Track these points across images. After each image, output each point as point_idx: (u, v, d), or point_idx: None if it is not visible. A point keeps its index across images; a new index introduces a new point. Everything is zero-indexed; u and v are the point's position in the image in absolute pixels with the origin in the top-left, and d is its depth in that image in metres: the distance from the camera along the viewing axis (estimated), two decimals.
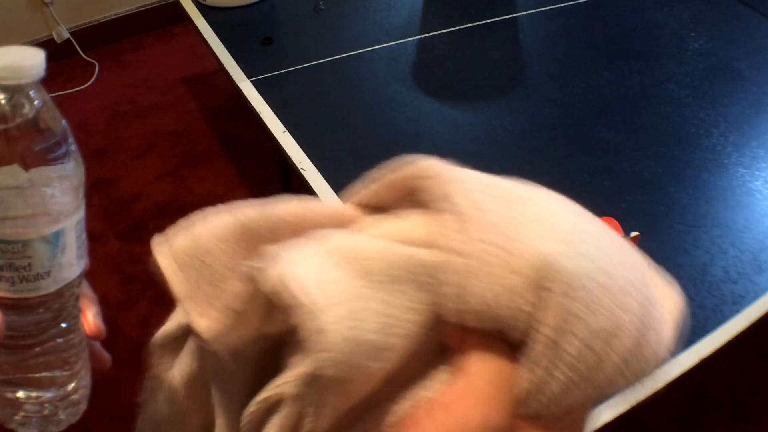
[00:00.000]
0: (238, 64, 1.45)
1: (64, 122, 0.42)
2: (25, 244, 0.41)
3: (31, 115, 0.40)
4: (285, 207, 0.36)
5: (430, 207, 0.32)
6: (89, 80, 2.72)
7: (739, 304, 0.95)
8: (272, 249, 0.31)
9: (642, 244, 1.00)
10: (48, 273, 0.42)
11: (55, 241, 0.42)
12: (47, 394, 0.46)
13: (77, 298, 0.47)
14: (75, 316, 0.47)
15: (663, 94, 1.34)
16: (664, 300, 0.36)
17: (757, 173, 1.16)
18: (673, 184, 1.14)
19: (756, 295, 0.96)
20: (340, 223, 0.35)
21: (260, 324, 0.32)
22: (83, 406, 0.48)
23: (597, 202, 1.11)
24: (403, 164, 0.36)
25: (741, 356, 1.77)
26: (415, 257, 0.31)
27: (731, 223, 1.07)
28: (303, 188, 1.17)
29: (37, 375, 0.45)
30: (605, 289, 0.31)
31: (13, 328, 0.44)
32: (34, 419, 0.45)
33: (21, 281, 0.42)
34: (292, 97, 1.37)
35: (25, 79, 0.40)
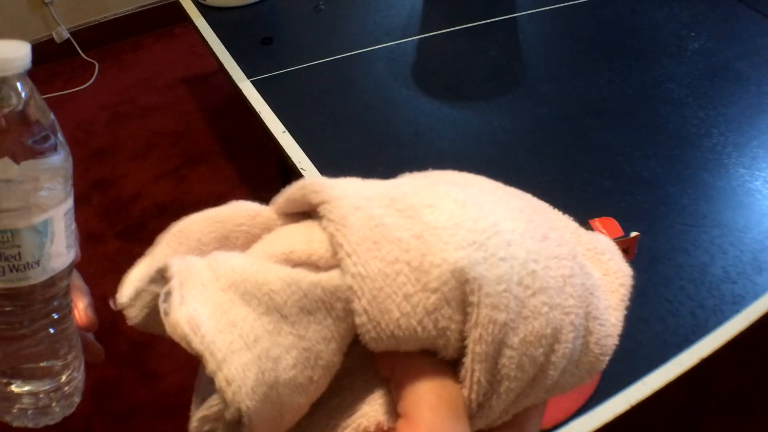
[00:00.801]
0: (238, 64, 1.45)
1: (51, 114, 0.43)
2: (15, 233, 0.41)
3: (19, 108, 0.41)
4: (218, 209, 0.34)
5: (326, 226, 0.29)
6: (89, 80, 2.72)
7: (739, 304, 0.95)
8: (175, 277, 0.28)
9: (642, 244, 1.00)
10: (38, 262, 0.43)
11: (44, 230, 0.43)
12: (41, 387, 0.46)
13: (68, 289, 0.47)
14: (66, 307, 0.47)
15: (663, 94, 1.34)
16: (608, 279, 0.34)
17: (757, 173, 1.16)
18: (673, 184, 1.14)
19: (756, 295, 0.96)
20: (264, 227, 0.33)
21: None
22: (77, 399, 0.48)
23: (597, 202, 1.12)
24: (299, 182, 0.32)
25: (741, 356, 1.77)
26: (320, 285, 0.28)
27: (731, 223, 1.07)
28: None
29: (30, 366, 0.45)
30: (537, 292, 0.29)
31: (4, 318, 0.44)
32: (29, 412, 0.45)
33: (11, 270, 0.42)
34: (292, 97, 1.37)
35: (10, 71, 0.40)
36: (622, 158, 1.20)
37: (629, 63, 1.43)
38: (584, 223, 0.99)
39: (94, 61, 2.79)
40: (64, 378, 0.47)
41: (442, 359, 0.29)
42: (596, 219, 1.00)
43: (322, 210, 0.29)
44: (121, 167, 2.37)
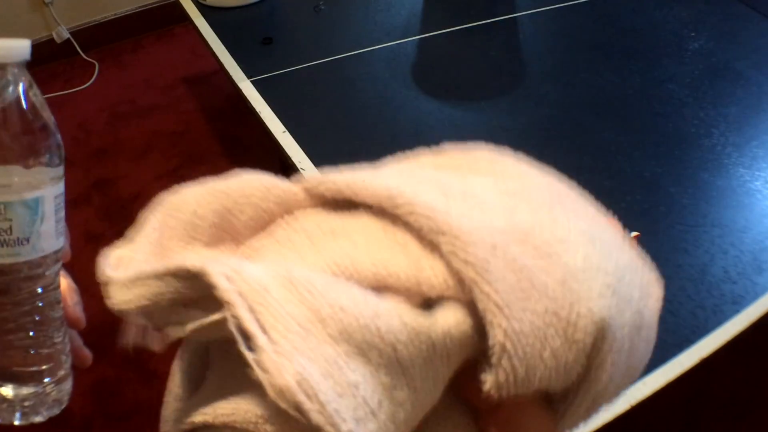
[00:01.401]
0: (238, 64, 1.45)
1: (47, 108, 0.44)
2: (7, 206, 0.42)
3: (16, 96, 0.42)
4: (223, 180, 0.29)
5: (460, 269, 0.25)
6: (89, 80, 2.72)
7: (739, 304, 0.95)
8: (238, 302, 0.22)
9: (642, 244, 1.00)
10: (28, 239, 0.43)
11: (35, 207, 0.44)
12: (30, 389, 0.46)
13: (56, 282, 0.48)
14: (54, 301, 0.48)
15: (663, 94, 1.34)
16: (652, 286, 0.32)
17: (757, 173, 1.16)
18: (673, 184, 1.14)
19: (756, 295, 0.96)
20: (288, 207, 0.29)
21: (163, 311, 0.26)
22: (65, 402, 0.48)
23: (597, 202, 1.11)
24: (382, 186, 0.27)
25: (741, 356, 1.77)
26: (451, 335, 0.24)
27: (731, 223, 1.07)
28: None
29: (18, 369, 0.46)
30: (641, 329, 0.28)
31: None
32: (16, 412, 0.46)
33: (2, 245, 0.43)
34: (292, 97, 1.37)
35: (9, 58, 0.42)
36: (622, 158, 1.20)
37: (629, 63, 1.43)
38: None
39: (94, 61, 2.79)
40: (52, 379, 0.48)
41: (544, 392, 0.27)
42: None
43: (444, 245, 0.25)
44: (121, 167, 2.37)
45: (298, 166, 1.18)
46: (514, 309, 0.24)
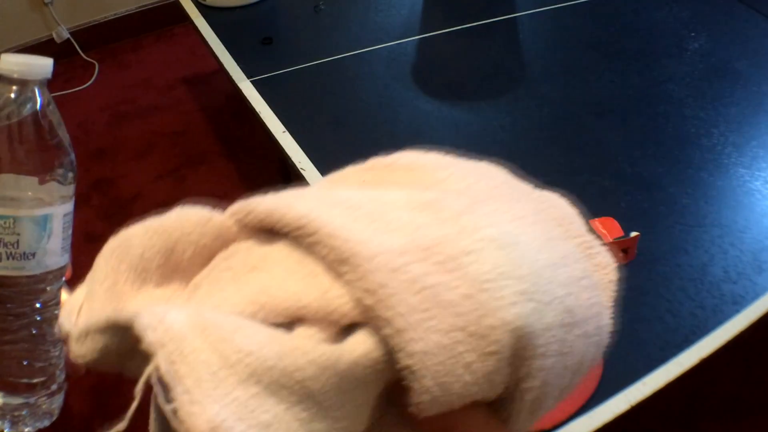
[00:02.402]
0: (238, 64, 1.45)
1: (63, 126, 0.45)
2: (16, 220, 0.43)
3: (34, 112, 0.43)
4: (163, 217, 0.30)
5: (361, 298, 0.25)
6: (89, 80, 2.72)
7: (739, 304, 0.95)
8: (160, 353, 0.23)
9: (642, 244, 1.00)
10: (34, 254, 0.44)
11: (43, 223, 0.44)
12: (21, 399, 0.46)
13: (57, 297, 0.48)
14: (53, 317, 0.48)
15: (663, 94, 1.34)
16: (599, 276, 0.32)
17: (757, 173, 1.16)
18: (673, 184, 1.14)
19: (756, 295, 0.96)
20: (224, 241, 0.30)
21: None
22: (55, 415, 0.49)
23: (597, 202, 1.12)
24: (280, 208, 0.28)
25: (741, 356, 1.77)
26: (360, 364, 0.25)
27: (731, 223, 1.07)
28: None
29: (12, 379, 0.46)
30: (572, 327, 0.28)
31: None
32: (6, 420, 0.46)
33: (8, 258, 0.43)
34: (292, 97, 1.37)
35: (32, 75, 0.43)
36: (622, 158, 1.20)
37: (629, 63, 1.43)
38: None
39: (94, 61, 2.79)
40: (43, 395, 0.48)
41: (482, 401, 0.27)
42: (596, 219, 1.00)
43: (347, 274, 0.25)
44: (121, 167, 2.37)
45: (298, 166, 1.18)
46: (418, 331, 0.24)
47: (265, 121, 1.29)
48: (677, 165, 1.18)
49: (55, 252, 0.46)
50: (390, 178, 0.32)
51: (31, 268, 0.44)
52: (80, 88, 2.68)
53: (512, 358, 0.26)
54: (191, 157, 2.40)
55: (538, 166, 1.21)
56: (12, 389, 0.46)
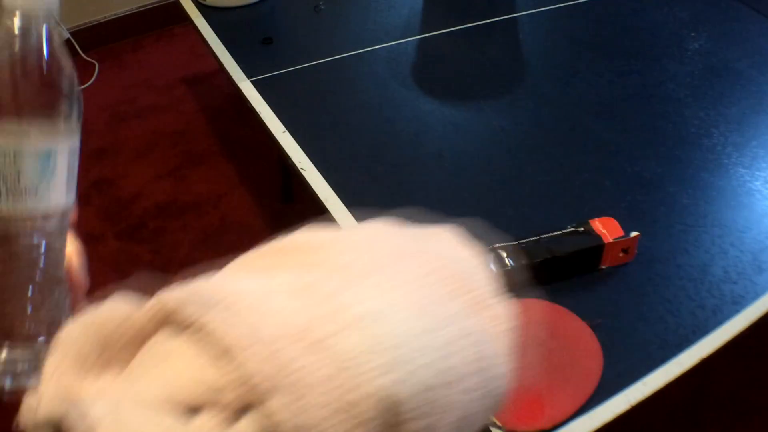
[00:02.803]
0: (238, 64, 1.45)
1: (69, 60, 0.44)
2: (17, 153, 0.41)
3: (39, 46, 0.43)
4: (98, 310, 0.33)
5: (241, 384, 0.29)
6: (89, 80, 2.72)
7: (739, 304, 0.95)
8: None
9: (642, 244, 1.00)
10: (36, 190, 0.42)
11: (46, 158, 0.42)
12: (24, 351, 0.45)
13: (61, 242, 0.46)
14: (58, 262, 0.46)
15: (663, 94, 1.34)
16: (494, 325, 0.35)
17: (757, 173, 1.16)
18: (673, 184, 1.14)
19: (756, 295, 0.96)
20: (145, 334, 0.33)
21: None
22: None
23: (597, 202, 1.12)
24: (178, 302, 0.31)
25: (741, 356, 1.77)
26: None
27: (731, 223, 1.07)
28: (303, 188, 1.17)
29: (14, 329, 0.44)
30: (446, 387, 0.30)
31: None
32: (8, 375, 0.44)
33: (8, 194, 0.41)
34: (292, 97, 1.37)
35: (35, 9, 0.43)
36: (622, 158, 1.20)
37: (629, 63, 1.43)
38: (584, 223, 1.00)
39: (94, 61, 2.79)
40: (47, 347, 0.47)
41: None
42: (596, 219, 1.00)
43: (227, 366, 0.29)
44: (121, 167, 2.37)
45: (298, 166, 1.18)
46: (291, 410, 0.27)
47: (265, 121, 1.29)
48: (677, 165, 1.18)
49: (58, 190, 0.43)
50: (282, 262, 0.35)
51: (32, 205, 0.42)
52: (80, 88, 2.68)
53: (383, 425, 0.28)
54: (191, 157, 2.40)
55: (538, 166, 1.21)
56: (15, 341, 0.44)
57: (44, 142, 0.42)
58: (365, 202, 1.11)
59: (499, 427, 0.78)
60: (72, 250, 0.47)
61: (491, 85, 1.41)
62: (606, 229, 0.98)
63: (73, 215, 0.46)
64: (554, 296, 0.94)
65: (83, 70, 2.76)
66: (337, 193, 1.12)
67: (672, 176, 1.16)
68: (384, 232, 0.37)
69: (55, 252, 0.46)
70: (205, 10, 1.65)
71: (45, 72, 0.42)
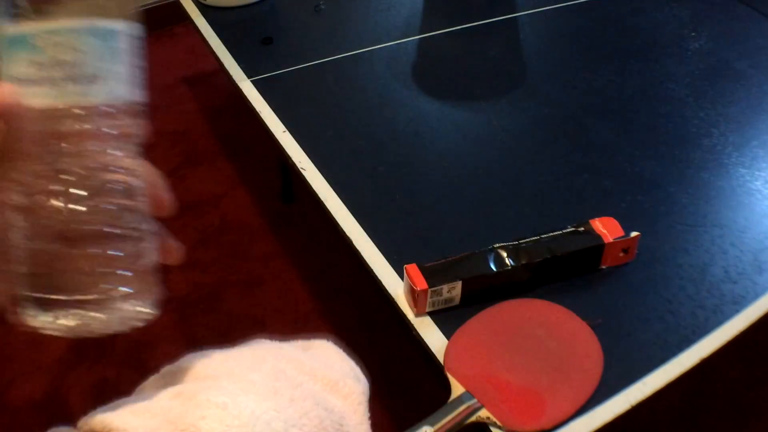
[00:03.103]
0: (238, 64, 1.45)
1: None
2: (75, 33, 0.35)
3: None
4: None
5: None
6: None
7: (739, 304, 0.95)
8: None
9: (642, 244, 1.00)
10: (97, 77, 0.36)
11: (107, 38, 0.36)
12: (102, 311, 0.39)
13: (134, 154, 0.39)
14: (135, 178, 0.39)
15: (663, 94, 1.34)
16: (348, 402, 0.43)
17: (757, 173, 1.16)
18: (673, 184, 1.14)
19: (756, 295, 0.96)
20: None
21: None
22: (149, 314, 0.42)
23: (597, 202, 1.12)
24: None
25: (741, 356, 1.77)
26: None
27: (731, 223, 1.07)
28: (303, 188, 1.17)
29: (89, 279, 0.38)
30: None
31: (52, 158, 0.36)
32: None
33: (68, 82, 0.35)
34: (292, 97, 1.37)
35: None
36: (622, 158, 1.20)
37: (629, 63, 1.43)
38: (584, 223, 0.99)
39: None
40: (131, 289, 0.40)
41: None
42: (596, 219, 1.00)
43: None
44: None
45: (298, 166, 1.18)
46: None
47: (265, 121, 1.29)
48: (677, 165, 1.18)
49: (124, 80, 0.37)
50: (176, 379, 0.43)
51: (97, 94, 0.36)
52: None
53: None
54: (191, 157, 2.41)
55: (539, 166, 1.21)
56: (88, 299, 0.38)
57: (104, 21, 0.36)
58: (365, 202, 1.11)
59: (499, 427, 0.78)
60: (149, 169, 0.41)
61: (491, 85, 1.41)
62: (606, 229, 0.98)
63: (144, 131, 0.40)
64: (554, 296, 0.94)
65: None
66: (337, 193, 1.12)
67: (672, 176, 1.16)
68: (250, 344, 0.46)
69: (128, 161, 0.38)
70: (205, 10, 1.65)
71: None
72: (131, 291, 0.40)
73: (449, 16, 1.61)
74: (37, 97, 0.35)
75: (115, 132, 0.37)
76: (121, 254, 0.39)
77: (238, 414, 0.37)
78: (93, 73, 0.36)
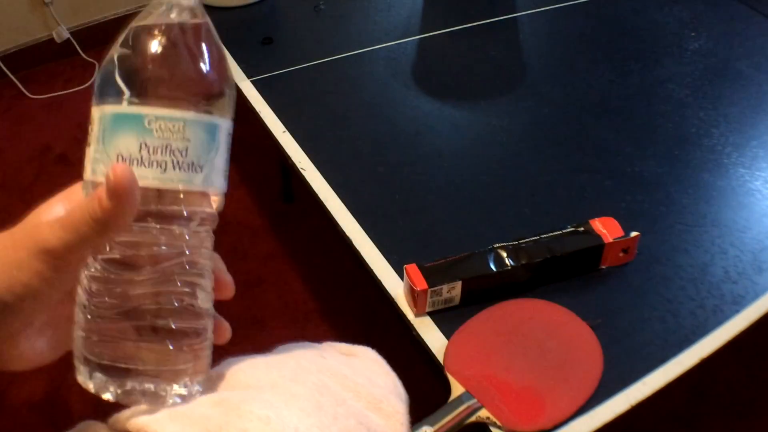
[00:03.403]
0: (238, 64, 1.45)
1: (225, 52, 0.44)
2: (186, 123, 0.39)
3: (206, 29, 0.43)
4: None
5: None
6: (89, 80, 2.72)
7: (739, 304, 0.95)
8: None
9: (642, 244, 1.00)
10: (202, 167, 0.39)
11: (211, 132, 0.40)
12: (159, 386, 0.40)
13: (210, 237, 0.42)
14: (204, 264, 0.42)
15: (663, 94, 1.34)
16: (390, 423, 0.42)
17: (757, 173, 1.16)
18: (673, 184, 1.14)
19: (756, 295, 0.96)
20: None
21: None
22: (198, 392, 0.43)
23: (597, 202, 1.12)
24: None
25: (741, 356, 1.77)
26: None
27: (731, 223, 1.07)
28: (303, 188, 1.17)
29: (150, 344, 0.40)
30: None
31: (132, 236, 0.38)
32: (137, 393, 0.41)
33: (174, 167, 0.38)
34: (292, 97, 1.37)
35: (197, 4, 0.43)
36: (622, 158, 1.20)
37: (629, 63, 1.43)
38: (584, 223, 0.99)
39: (94, 61, 2.79)
40: (185, 370, 0.41)
41: None
42: (596, 219, 1.00)
43: None
44: None
45: (298, 166, 1.18)
46: None
47: (265, 121, 1.29)
48: (677, 165, 1.18)
49: (221, 172, 0.41)
50: (216, 385, 0.42)
51: (198, 182, 0.39)
52: (80, 88, 2.68)
53: None
54: None
55: (538, 166, 1.21)
56: (154, 372, 0.40)
57: (210, 115, 0.41)
58: (365, 202, 1.11)
59: (499, 427, 0.78)
60: (213, 255, 0.44)
61: (491, 85, 1.41)
62: (606, 229, 0.98)
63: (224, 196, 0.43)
64: (554, 296, 0.94)
65: (83, 70, 2.76)
66: (337, 193, 1.12)
67: (672, 176, 1.16)
68: (293, 352, 0.45)
69: (202, 246, 0.42)
70: (206, 10, 1.65)
71: (211, 56, 0.42)
72: (185, 389, 0.42)
73: (449, 16, 1.61)
74: (144, 179, 0.37)
75: (207, 220, 0.41)
76: (185, 353, 0.41)
77: (281, 429, 0.36)
78: (196, 162, 0.39)
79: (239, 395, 0.39)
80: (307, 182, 1.15)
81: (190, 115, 0.39)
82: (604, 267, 0.99)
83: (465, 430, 0.78)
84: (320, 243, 2.14)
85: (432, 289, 0.90)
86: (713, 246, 1.03)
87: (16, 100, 2.69)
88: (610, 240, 0.97)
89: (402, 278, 0.96)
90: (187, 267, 0.41)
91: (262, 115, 1.31)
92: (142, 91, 0.39)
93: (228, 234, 2.15)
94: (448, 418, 0.77)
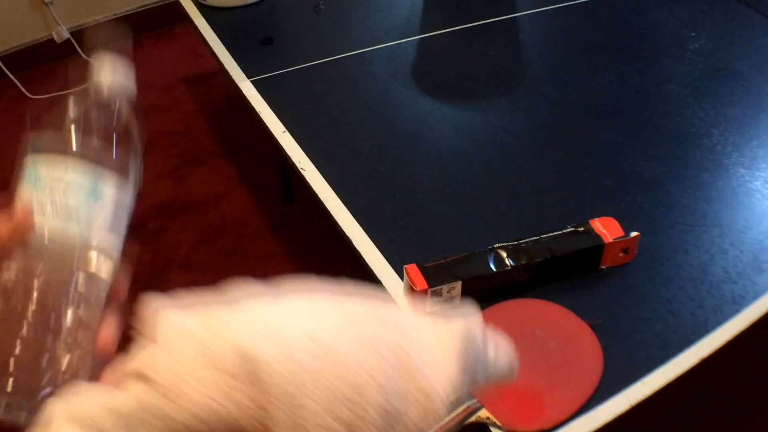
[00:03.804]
0: (238, 64, 1.45)
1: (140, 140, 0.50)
2: (73, 181, 0.46)
3: (120, 115, 0.50)
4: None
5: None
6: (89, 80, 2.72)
7: (739, 304, 0.95)
8: None
9: (642, 244, 1.00)
10: (79, 217, 0.46)
11: (93, 187, 0.47)
12: (27, 400, 0.44)
13: (98, 298, 0.48)
14: (91, 315, 0.47)
15: (663, 94, 1.34)
16: (439, 339, 0.38)
17: (757, 173, 1.16)
18: (673, 184, 1.14)
19: (756, 295, 0.96)
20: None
21: None
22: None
23: (597, 202, 1.12)
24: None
25: (741, 356, 1.77)
26: (138, 399, 0.34)
27: (731, 223, 1.07)
28: (303, 188, 1.17)
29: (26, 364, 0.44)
30: (328, 358, 0.33)
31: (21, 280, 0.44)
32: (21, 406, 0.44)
33: (54, 217, 0.45)
34: (292, 97, 1.37)
35: (121, 94, 0.51)
36: (622, 158, 1.20)
37: (629, 63, 1.43)
38: (584, 223, 0.99)
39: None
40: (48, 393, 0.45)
41: None
42: (596, 219, 1.00)
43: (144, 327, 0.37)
44: None
45: (298, 166, 1.18)
46: (156, 359, 0.35)
47: (265, 121, 1.29)
48: (677, 165, 1.18)
49: (102, 228, 0.48)
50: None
51: (75, 231, 0.45)
52: (80, 88, 2.68)
53: (253, 381, 0.33)
54: (191, 157, 2.40)
55: (538, 166, 1.21)
56: (20, 386, 0.44)
57: (98, 182, 0.47)
58: (365, 202, 1.11)
59: (499, 427, 0.78)
60: (110, 322, 0.49)
61: (491, 85, 1.41)
62: (606, 229, 0.98)
63: (121, 285, 0.50)
64: (554, 296, 0.94)
65: (83, 70, 2.76)
66: (337, 193, 1.12)
67: (672, 176, 1.16)
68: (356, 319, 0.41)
69: (91, 301, 0.47)
70: (205, 10, 1.65)
71: (123, 138, 0.48)
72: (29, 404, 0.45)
73: (449, 16, 1.61)
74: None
75: (87, 266, 0.47)
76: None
77: (272, 312, 0.35)
78: (74, 213, 0.46)
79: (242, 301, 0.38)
80: (307, 182, 1.15)
81: (77, 177, 0.47)
82: (604, 267, 0.99)
83: (465, 430, 0.78)
84: (320, 243, 2.15)
85: (432, 289, 0.90)
86: (713, 246, 1.03)
87: (16, 100, 2.69)
88: (610, 240, 0.97)
89: (402, 278, 0.96)
90: (68, 318, 0.46)
91: (262, 115, 1.31)
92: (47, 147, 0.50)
93: (228, 234, 2.15)
94: (448, 418, 0.77)
